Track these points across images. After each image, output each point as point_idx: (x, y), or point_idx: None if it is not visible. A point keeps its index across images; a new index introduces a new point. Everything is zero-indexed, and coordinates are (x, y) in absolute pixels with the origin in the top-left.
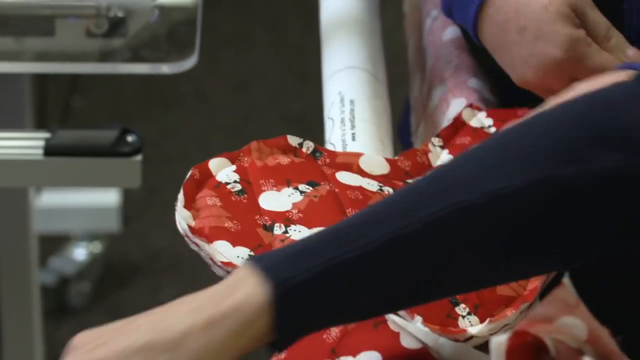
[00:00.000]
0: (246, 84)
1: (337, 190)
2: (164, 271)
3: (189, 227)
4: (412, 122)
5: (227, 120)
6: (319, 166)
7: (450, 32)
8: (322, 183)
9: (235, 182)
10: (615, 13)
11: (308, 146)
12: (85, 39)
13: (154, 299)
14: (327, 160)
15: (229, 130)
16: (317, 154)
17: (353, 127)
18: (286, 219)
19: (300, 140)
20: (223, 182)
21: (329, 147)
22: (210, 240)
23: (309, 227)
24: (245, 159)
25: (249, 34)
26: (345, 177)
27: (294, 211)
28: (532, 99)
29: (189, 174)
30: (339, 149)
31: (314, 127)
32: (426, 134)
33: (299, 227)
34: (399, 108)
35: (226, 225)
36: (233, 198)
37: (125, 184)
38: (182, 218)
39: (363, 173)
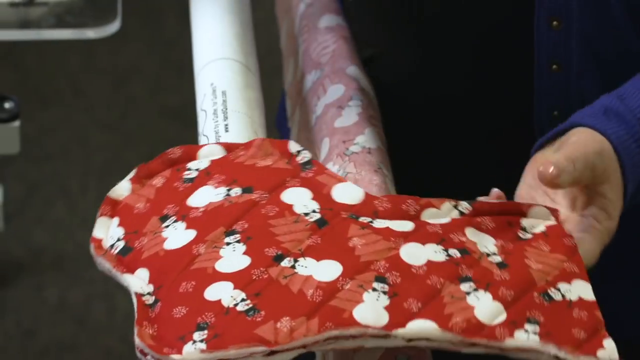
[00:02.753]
0: (123, 79)
1: (262, 202)
2: (47, 269)
3: (108, 197)
4: (287, 108)
5: (105, 116)
6: (292, 177)
7: (327, 19)
8: (257, 192)
9: (196, 170)
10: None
11: (303, 156)
12: (7, 8)
13: (38, 297)
14: (309, 175)
15: (108, 125)
16: (307, 166)
17: (226, 118)
18: (183, 215)
19: (300, 148)
20: (188, 167)
21: (202, 139)
22: (108, 214)
23: (187, 228)
24: (241, 153)
25: (124, 28)
26: (292, 195)
27: (200, 209)
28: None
29: (168, 151)
30: (212, 140)
31: (193, 120)
32: (301, 119)
33: (179, 224)
34: (273, 99)
35: (136, 205)
36: (176, 184)
37: (3, 149)
38: (118, 187)
39: (324, 198)
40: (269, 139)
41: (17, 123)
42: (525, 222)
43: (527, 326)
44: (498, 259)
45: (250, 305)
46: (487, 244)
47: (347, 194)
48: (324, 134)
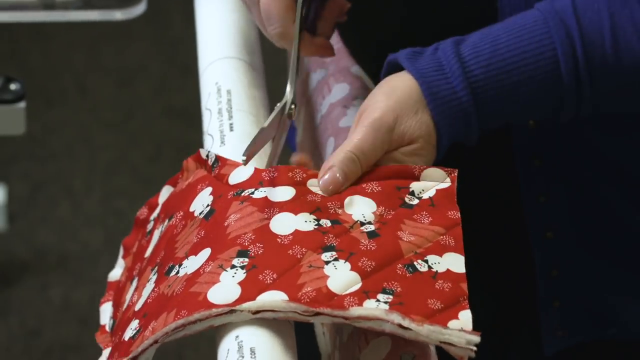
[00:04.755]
0: (128, 78)
1: (176, 223)
2: (51, 268)
3: (108, 282)
4: None
5: (110, 115)
6: (204, 181)
7: None
8: (175, 215)
9: (153, 220)
10: (488, 12)
11: (211, 157)
12: None
13: (42, 297)
14: (217, 171)
15: (112, 125)
16: (215, 165)
17: (230, 117)
18: (139, 271)
19: (207, 152)
20: (149, 220)
21: (207, 138)
22: (108, 299)
23: (137, 282)
24: (179, 182)
25: (129, 27)
26: (197, 200)
27: (147, 258)
28: None
29: (138, 213)
30: (217, 139)
31: (198, 120)
32: (307, 118)
33: (135, 281)
34: (278, 98)
35: (121, 279)
36: (142, 242)
37: (9, 130)
38: (114, 270)
39: (222, 187)
40: (192, 156)
41: (22, 104)
42: (415, 185)
43: (380, 296)
44: (371, 228)
45: (138, 329)
46: (365, 211)
47: (240, 175)
48: (329, 134)
